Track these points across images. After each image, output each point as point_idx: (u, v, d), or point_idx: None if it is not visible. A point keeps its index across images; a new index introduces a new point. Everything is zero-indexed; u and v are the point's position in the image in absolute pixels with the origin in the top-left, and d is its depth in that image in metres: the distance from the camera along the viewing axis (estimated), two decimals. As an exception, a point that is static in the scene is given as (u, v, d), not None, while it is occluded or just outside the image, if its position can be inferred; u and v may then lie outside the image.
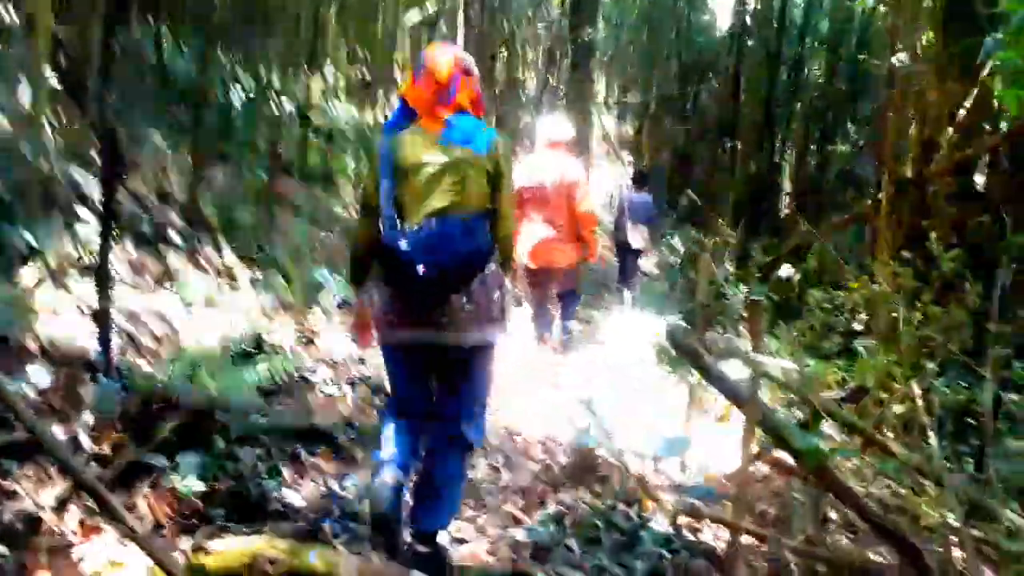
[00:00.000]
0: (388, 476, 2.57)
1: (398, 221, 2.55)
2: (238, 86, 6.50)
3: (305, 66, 7.76)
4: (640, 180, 9.60)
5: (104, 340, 3.24)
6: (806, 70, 13.05)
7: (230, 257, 5.45)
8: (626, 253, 9.19)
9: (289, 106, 7.87)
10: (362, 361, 4.83)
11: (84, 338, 3.67)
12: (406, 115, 2.65)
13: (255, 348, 4.00)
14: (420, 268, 2.45)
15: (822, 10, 13.13)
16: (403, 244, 2.49)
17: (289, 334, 4.67)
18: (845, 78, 12.31)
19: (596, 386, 4.79)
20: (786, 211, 12.20)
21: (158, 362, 3.69)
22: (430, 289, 2.49)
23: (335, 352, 4.81)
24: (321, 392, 4.24)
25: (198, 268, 5.20)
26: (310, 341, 4.75)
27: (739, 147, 12.52)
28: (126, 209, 5.46)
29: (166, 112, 6.91)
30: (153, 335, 4.10)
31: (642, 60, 17.18)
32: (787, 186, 13.27)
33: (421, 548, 2.62)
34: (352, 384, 4.44)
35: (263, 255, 6.35)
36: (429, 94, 2.60)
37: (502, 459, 3.83)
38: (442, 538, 2.67)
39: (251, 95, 6.27)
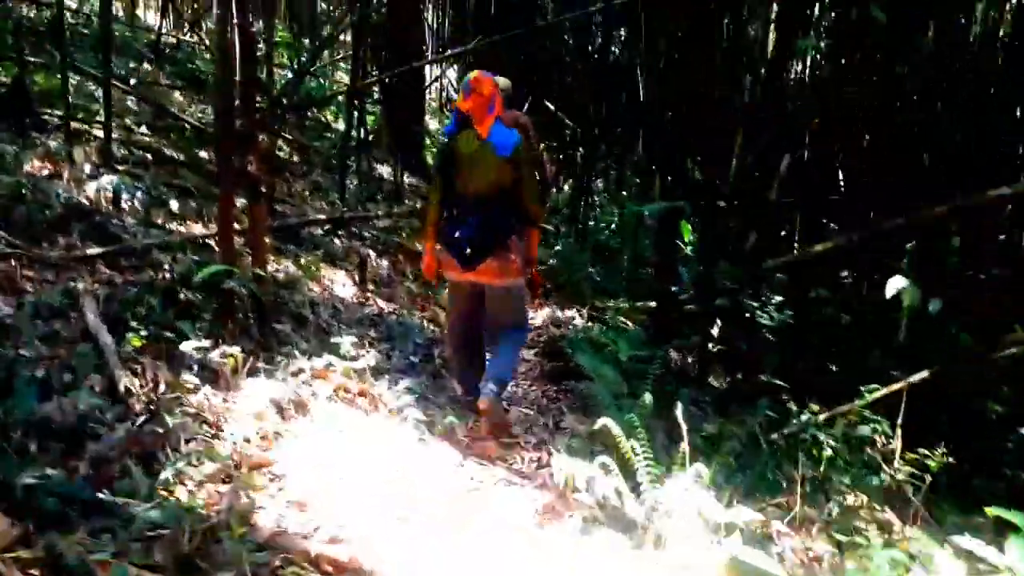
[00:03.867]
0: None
1: (454, 199, 3.86)
2: None
3: None
4: None
5: None
6: None
7: None
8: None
9: None
10: None
11: None
12: (461, 122, 3.82)
13: None
14: (462, 237, 3.74)
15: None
16: (456, 221, 3.80)
17: None
18: None
19: None
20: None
21: None
22: (474, 249, 3.72)
23: None
24: None
25: None
26: None
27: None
28: None
29: None
30: None
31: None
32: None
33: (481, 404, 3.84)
34: None
35: None
36: (477, 106, 3.74)
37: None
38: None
39: None
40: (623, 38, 12.86)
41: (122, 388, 3.12)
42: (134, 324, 3.51)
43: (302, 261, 5.64)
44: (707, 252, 5.01)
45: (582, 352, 4.24)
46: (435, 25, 17.88)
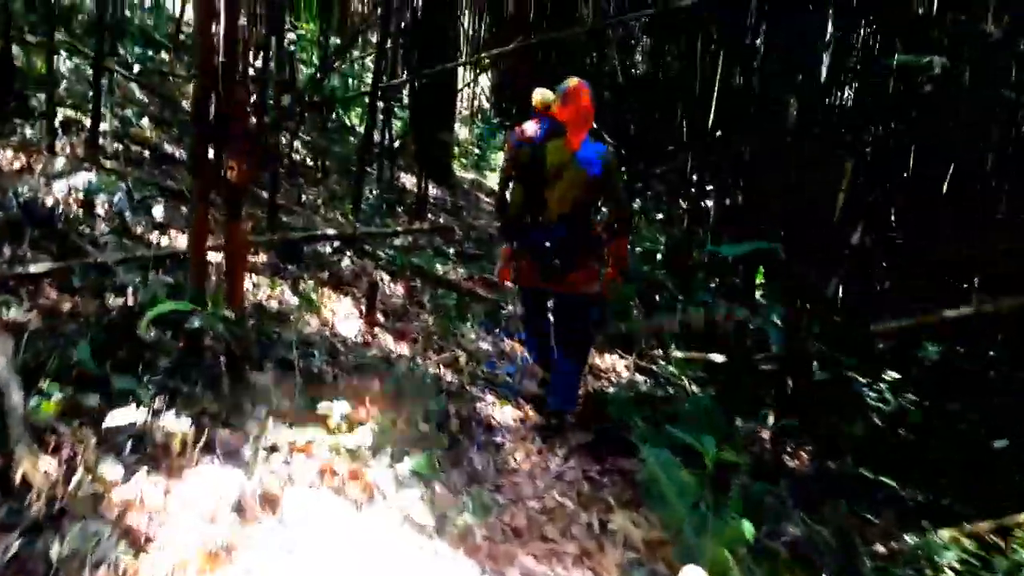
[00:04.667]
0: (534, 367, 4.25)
1: (534, 207, 3.80)
2: None
3: None
4: None
5: None
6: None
7: None
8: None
9: None
10: None
11: None
12: (555, 129, 3.75)
13: None
14: (549, 248, 3.75)
15: None
16: (541, 231, 3.78)
17: None
18: None
19: None
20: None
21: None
22: (555, 263, 3.77)
23: None
24: None
25: None
26: None
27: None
28: None
29: None
30: None
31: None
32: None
33: (553, 420, 3.99)
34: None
35: None
36: (575, 117, 3.72)
37: None
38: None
39: None
40: (669, 53, 11.99)
41: (19, 476, 2.26)
42: (55, 379, 2.64)
43: (301, 287, 4.76)
44: (793, 309, 4.08)
45: (644, 439, 3.30)
46: (471, 30, 17.11)
